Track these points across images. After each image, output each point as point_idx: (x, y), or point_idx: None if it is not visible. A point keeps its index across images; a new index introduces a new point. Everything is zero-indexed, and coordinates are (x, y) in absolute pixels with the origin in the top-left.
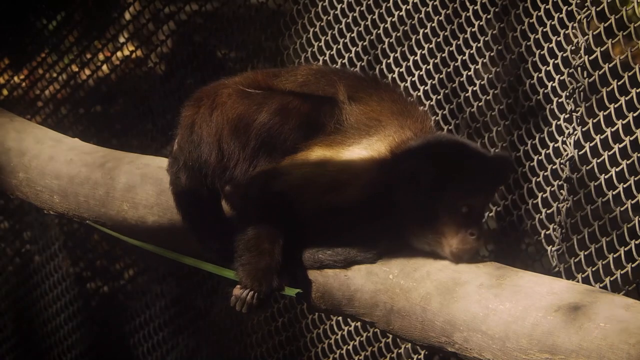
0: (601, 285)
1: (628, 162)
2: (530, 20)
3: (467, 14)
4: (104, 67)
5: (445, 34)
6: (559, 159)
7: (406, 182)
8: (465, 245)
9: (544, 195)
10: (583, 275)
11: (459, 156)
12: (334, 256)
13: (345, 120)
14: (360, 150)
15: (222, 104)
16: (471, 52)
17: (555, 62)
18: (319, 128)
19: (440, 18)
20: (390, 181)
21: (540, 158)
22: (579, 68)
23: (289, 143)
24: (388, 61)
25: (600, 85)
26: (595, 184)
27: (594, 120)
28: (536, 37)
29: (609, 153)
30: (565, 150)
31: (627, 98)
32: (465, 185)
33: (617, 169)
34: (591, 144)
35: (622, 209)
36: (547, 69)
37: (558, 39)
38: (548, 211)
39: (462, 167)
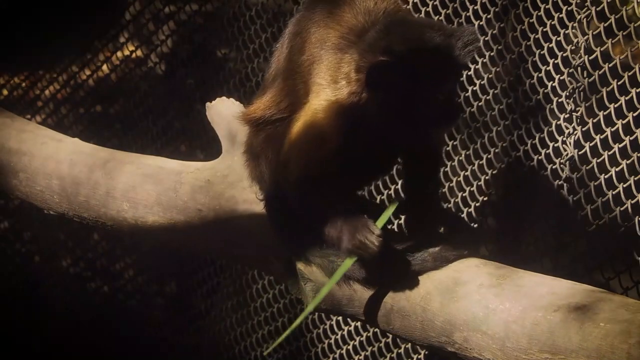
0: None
1: (628, 162)
2: (530, 20)
3: (467, 14)
4: (104, 67)
5: None
6: (559, 159)
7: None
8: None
9: None
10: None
11: (419, 45)
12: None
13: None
14: (317, 101)
15: None
16: None
17: (555, 62)
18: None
19: (440, 18)
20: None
21: (540, 158)
22: (579, 68)
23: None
24: None
25: (600, 85)
26: (595, 184)
27: (594, 120)
28: (536, 37)
29: (609, 153)
30: (565, 150)
31: (627, 98)
32: (435, 73)
33: (617, 169)
34: (591, 144)
35: (622, 209)
36: (547, 68)
37: (558, 39)
38: None
39: (425, 55)
